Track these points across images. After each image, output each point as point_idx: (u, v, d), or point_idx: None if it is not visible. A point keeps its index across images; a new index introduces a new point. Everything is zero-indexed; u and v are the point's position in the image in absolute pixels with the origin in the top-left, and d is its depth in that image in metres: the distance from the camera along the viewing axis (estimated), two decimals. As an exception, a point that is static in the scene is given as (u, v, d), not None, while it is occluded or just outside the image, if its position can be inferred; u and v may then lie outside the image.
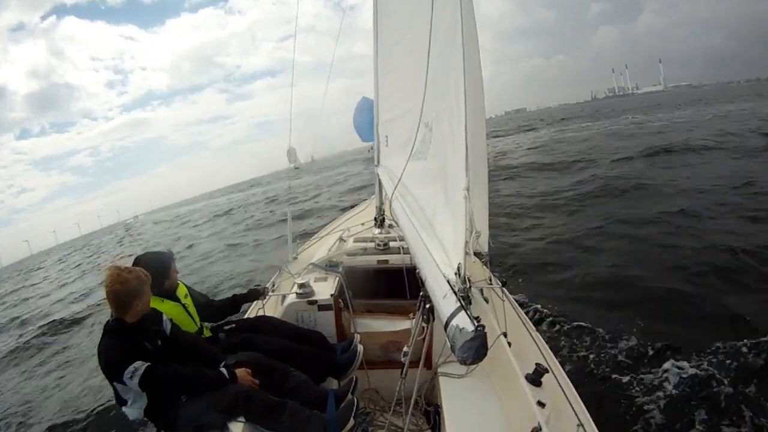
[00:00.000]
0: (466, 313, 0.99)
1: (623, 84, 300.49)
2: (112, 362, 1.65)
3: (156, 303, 1.96)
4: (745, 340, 3.23)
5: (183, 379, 1.78)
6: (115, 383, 1.67)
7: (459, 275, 1.10)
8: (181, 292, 2.23)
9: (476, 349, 0.94)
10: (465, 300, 1.03)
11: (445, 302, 1.09)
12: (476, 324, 0.95)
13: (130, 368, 1.62)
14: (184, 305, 2.18)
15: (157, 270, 2.00)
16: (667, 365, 3.13)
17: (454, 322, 1.00)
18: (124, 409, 1.77)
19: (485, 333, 0.95)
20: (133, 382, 1.63)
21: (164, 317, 1.94)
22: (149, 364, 1.66)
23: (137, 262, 2.06)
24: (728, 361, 3.10)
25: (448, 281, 1.13)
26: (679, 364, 3.12)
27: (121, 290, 1.69)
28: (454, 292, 1.07)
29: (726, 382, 2.88)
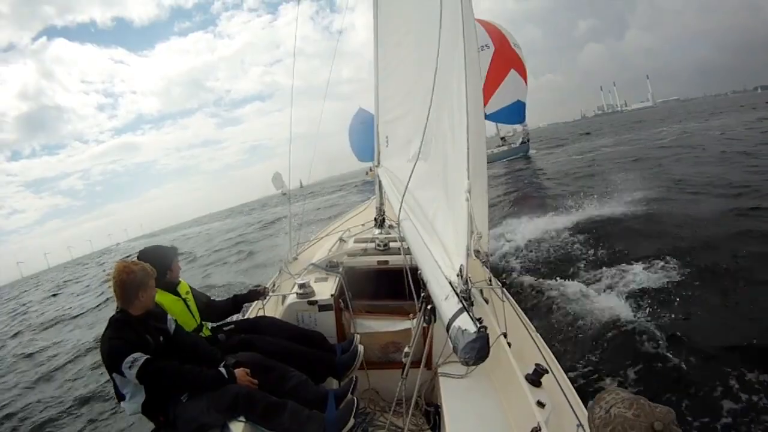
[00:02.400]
0: (468, 315, 1.00)
1: (612, 101, 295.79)
2: (113, 351, 1.67)
3: (157, 295, 1.96)
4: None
5: (182, 376, 1.78)
6: (114, 374, 1.69)
7: (461, 277, 1.11)
8: (183, 288, 2.25)
9: (478, 350, 0.95)
10: (467, 301, 1.04)
11: (447, 304, 1.10)
12: (478, 325, 0.96)
13: (129, 358, 1.63)
14: (184, 300, 2.21)
15: (159, 261, 2.04)
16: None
17: (456, 324, 1.01)
18: (122, 404, 1.78)
19: (487, 334, 0.96)
20: (131, 372, 1.64)
21: (169, 317, 1.95)
22: (149, 356, 1.67)
23: (142, 254, 2.11)
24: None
25: (450, 283, 1.14)
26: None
27: (127, 280, 1.72)
28: (456, 294, 1.08)
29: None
